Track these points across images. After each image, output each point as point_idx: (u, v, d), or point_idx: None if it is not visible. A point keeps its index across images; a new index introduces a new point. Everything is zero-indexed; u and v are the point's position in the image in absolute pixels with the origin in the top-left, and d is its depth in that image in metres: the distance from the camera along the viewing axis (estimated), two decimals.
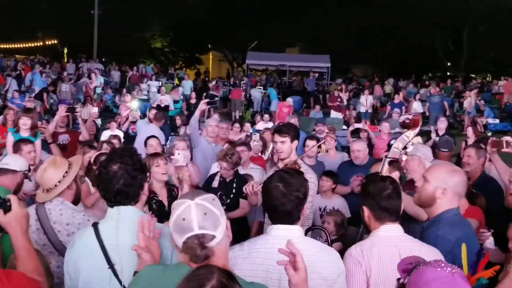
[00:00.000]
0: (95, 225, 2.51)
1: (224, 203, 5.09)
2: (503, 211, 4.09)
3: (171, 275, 1.93)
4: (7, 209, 2.29)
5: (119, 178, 2.45)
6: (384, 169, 3.53)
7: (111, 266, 2.37)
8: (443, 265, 1.86)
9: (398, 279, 2.00)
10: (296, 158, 4.20)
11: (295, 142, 4.30)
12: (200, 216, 1.89)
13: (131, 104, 10.26)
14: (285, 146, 4.23)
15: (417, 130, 3.67)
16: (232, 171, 5.35)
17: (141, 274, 2.06)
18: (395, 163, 3.67)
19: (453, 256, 2.63)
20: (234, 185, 5.34)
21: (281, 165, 4.22)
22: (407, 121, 3.79)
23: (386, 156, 3.61)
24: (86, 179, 4.93)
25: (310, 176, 3.97)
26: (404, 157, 3.57)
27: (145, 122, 9.62)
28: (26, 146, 5.25)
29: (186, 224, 1.88)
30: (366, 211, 2.71)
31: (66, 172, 3.22)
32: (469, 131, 9.60)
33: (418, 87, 24.92)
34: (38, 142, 6.00)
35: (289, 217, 2.41)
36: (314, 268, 2.27)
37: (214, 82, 24.57)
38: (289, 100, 17.34)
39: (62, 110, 6.71)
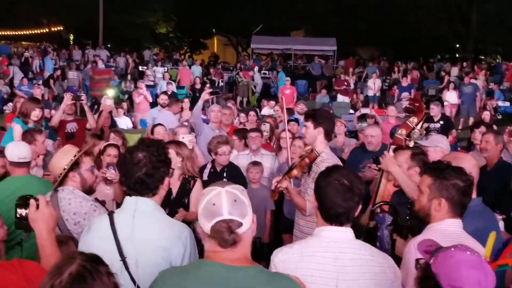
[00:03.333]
0: (110, 214, 2.50)
1: None
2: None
3: (197, 272, 1.95)
4: (26, 208, 2.42)
5: (142, 166, 2.44)
6: (388, 156, 3.47)
7: (123, 258, 2.35)
8: (470, 249, 1.90)
9: (418, 260, 2.02)
10: (314, 147, 4.00)
11: (320, 129, 4.02)
12: (230, 202, 1.93)
13: (107, 94, 10.08)
14: (308, 131, 4.06)
15: (422, 116, 3.61)
16: (229, 156, 5.28)
17: (161, 278, 2.02)
18: (418, 156, 3.58)
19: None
20: (225, 174, 5.22)
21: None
22: (412, 106, 3.73)
23: (390, 144, 3.53)
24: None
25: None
26: (411, 144, 3.49)
27: (157, 110, 9.59)
28: (40, 135, 5.13)
29: (216, 209, 1.92)
30: (443, 203, 2.60)
31: (71, 160, 3.24)
32: (487, 115, 9.48)
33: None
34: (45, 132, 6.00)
35: (345, 217, 2.30)
36: (372, 274, 2.23)
37: (214, 68, 24.43)
38: (287, 81, 16.91)
39: (67, 99, 6.66)
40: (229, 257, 1.94)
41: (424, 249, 1.99)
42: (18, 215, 2.45)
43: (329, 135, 4.10)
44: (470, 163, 3.16)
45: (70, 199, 3.15)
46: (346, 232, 2.33)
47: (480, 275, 1.80)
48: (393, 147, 3.54)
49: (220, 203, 1.92)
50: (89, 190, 3.36)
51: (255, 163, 5.83)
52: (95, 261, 1.73)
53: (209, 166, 5.38)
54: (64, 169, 3.20)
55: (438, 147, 4.22)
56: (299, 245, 2.37)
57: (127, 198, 2.51)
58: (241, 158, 6.14)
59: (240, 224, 1.92)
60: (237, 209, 1.93)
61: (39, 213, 2.40)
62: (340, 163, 4.02)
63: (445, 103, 15.24)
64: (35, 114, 6.06)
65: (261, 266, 2.02)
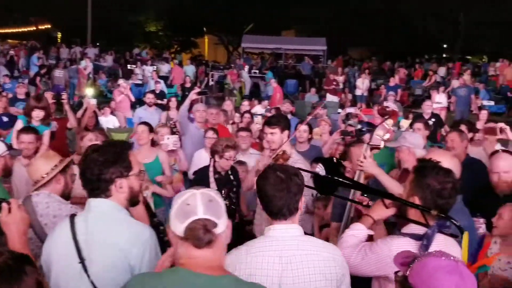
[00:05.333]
0: (72, 217, 2.46)
1: (233, 199, 4.94)
2: (489, 192, 4.13)
3: (170, 280, 1.90)
4: None
5: (93, 167, 2.40)
6: (367, 155, 3.49)
7: (81, 261, 2.31)
8: (446, 254, 1.87)
9: (396, 272, 1.98)
10: (284, 149, 4.14)
11: (286, 132, 4.24)
12: (205, 202, 1.91)
13: (87, 93, 10.02)
14: (276, 137, 4.18)
15: (396, 118, 3.68)
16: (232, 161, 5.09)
17: (132, 283, 1.99)
18: None
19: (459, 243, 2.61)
20: (232, 177, 5.07)
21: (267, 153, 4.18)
22: (388, 109, 3.79)
23: (368, 143, 3.57)
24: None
25: (301, 166, 3.90)
26: (382, 144, 3.56)
27: (143, 109, 9.54)
28: (27, 136, 5.05)
29: (190, 209, 1.90)
30: (417, 202, 2.61)
31: (56, 165, 3.21)
32: (484, 114, 9.53)
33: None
34: (47, 132, 5.95)
35: (287, 210, 2.32)
36: (316, 269, 2.25)
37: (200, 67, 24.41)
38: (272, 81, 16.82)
39: (48, 97, 6.59)
40: (204, 264, 1.89)
41: (401, 262, 1.96)
42: None
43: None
44: (450, 163, 3.14)
45: (47, 203, 3.10)
46: (292, 229, 2.35)
47: (457, 280, 1.77)
48: (370, 147, 3.55)
49: (195, 203, 1.90)
50: (67, 196, 3.32)
51: (240, 163, 5.80)
52: (21, 260, 1.69)
53: (211, 171, 5.00)
54: (53, 169, 3.18)
55: (403, 146, 4.28)
56: (246, 246, 2.38)
57: (89, 200, 2.47)
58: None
59: (216, 225, 1.89)
60: (212, 209, 1.91)
61: (11, 216, 2.41)
62: (306, 163, 4.22)
63: (434, 105, 15.11)
64: (35, 114, 6.01)
65: (235, 275, 1.98)
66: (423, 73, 23.58)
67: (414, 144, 4.32)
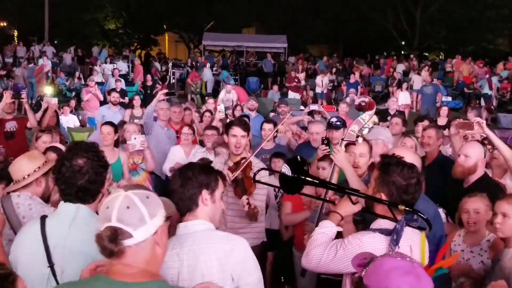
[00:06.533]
0: (43, 218, 2.39)
1: None
2: (455, 184, 4.26)
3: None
4: None
5: (84, 173, 2.33)
6: (342, 151, 3.54)
7: (51, 265, 2.25)
8: (402, 255, 1.85)
9: (353, 274, 1.97)
10: (245, 155, 4.20)
11: (249, 136, 4.32)
12: (122, 208, 1.74)
13: (47, 92, 9.77)
14: (244, 142, 4.18)
15: (372, 112, 3.70)
16: None
17: None
18: None
19: (433, 231, 2.67)
20: None
21: (230, 163, 4.19)
22: (363, 103, 3.81)
23: (342, 139, 3.60)
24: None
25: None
26: (360, 140, 3.57)
27: (106, 107, 9.38)
28: None
29: (107, 213, 1.75)
30: (384, 198, 2.62)
31: (39, 167, 3.15)
32: (445, 110, 9.78)
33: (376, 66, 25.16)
34: None
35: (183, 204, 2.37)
36: (212, 261, 2.25)
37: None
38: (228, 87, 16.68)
39: (7, 97, 6.44)
40: (123, 272, 1.75)
41: (358, 263, 1.94)
42: None
43: None
44: (412, 158, 3.21)
45: (30, 205, 3.04)
46: (193, 225, 2.34)
47: (412, 281, 1.73)
48: (344, 142, 3.58)
49: (113, 207, 1.74)
50: (46, 199, 3.26)
51: (202, 160, 5.81)
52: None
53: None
54: (35, 171, 3.11)
55: (379, 139, 4.36)
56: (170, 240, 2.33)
57: (64, 204, 2.38)
58: (198, 156, 6.11)
59: (130, 236, 1.72)
60: (128, 217, 1.73)
61: None
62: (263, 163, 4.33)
63: (399, 103, 14.82)
64: None
65: (164, 281, 1.85)
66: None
67: (388, 139, 4.40)
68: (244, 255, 2.30)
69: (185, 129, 6.52)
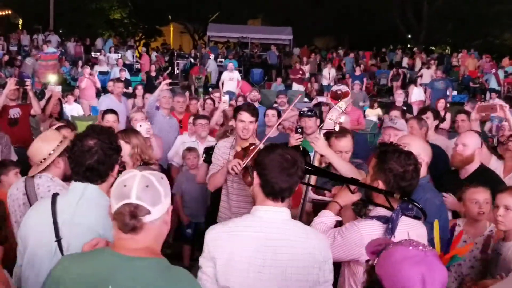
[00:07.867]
0: (54, 196, 2.49)
1: None
2: (450, 174, 4.30)
3: (92, 261, 1.89)
4: None
5: (94, 153, 2.42)
6: (321, 140, 3.53)
7: (58, 239, 2.36)
8: (415, 243, 1.77)
9: (367, 261, 1.92)
10: (253, 141, 4.14)
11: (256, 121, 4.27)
12: (141, 187, 1.84)
13: (51, 80, 9.72)
14: (252, 127, 4.15)
15: (348, 99, 3.73)
16: None
17: (60, 264, 1.98)
18: None
19: (439, 219, 2.67)
20: None
21: (238, 148, 4.13)
22: (339, 92, 3.83)
23: (320, 128, 3.60)
24: None
25: None
26: (337, 127, 3.57)
27: (110, 98, 9.36)
28: None
29: (125, 191, 1.83)
30: (381, 186, 2.63)
31: (53, 150, 3.12)
32: (442, 103, 9.74)
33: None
34: None
35: (288, 193, 2.28)
36: (299, 255, 2.22)
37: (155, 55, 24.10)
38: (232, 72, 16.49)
39: (11, 83, 6.43)
40: (130, 247, 1.85)
41: (372, 250, 1.87)
42: None
43: None
44: (419, 146, 3.26)
45: (49, 186, 3.06)
46: (282, 212, 2.28)
47: (424, 271, 1.67)
48: (323, 131, 3.59)
49: (131, 185, 1.84)
50: (69, 178, 3.24)
51: (190, 149, 5.92)
52: None
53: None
54: (50, 154, 3.09)
55: (390, 127, 4.41)
56: (232, 222, 2.33)
57: (75, 183, 2.48)
58: (188, 145, 6.11)
59: (148, 212, 1.83)
60: (147, 195, 1.83)
61: None
62: None
63: (413, 99, 14.52)
64: None
65: (164, 259, 1.91)
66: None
67: (402, 128, 4.41)
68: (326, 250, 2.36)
69: (201, 121, 6.38)
